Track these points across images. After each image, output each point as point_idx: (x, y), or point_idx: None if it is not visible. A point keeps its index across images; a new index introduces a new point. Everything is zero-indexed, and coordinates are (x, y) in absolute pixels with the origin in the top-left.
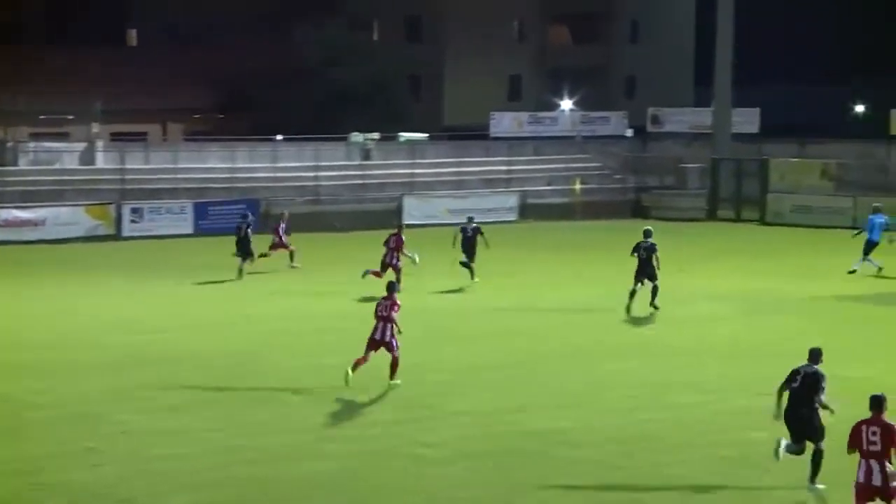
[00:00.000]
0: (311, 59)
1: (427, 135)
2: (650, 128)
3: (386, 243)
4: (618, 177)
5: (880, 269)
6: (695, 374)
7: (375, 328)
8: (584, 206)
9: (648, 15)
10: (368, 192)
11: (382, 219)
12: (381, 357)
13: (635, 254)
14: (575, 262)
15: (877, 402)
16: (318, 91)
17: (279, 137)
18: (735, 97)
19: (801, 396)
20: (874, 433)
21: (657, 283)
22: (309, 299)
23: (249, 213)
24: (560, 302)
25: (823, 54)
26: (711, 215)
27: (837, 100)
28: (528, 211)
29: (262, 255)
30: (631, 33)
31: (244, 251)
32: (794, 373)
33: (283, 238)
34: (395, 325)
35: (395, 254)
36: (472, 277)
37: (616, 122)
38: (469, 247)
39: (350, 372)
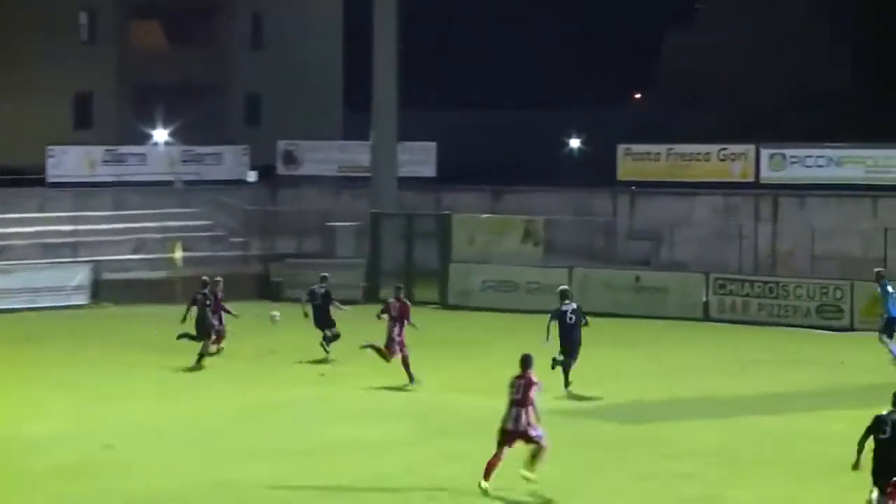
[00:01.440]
0: None
1: None
2: (283, 169)
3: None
4: (237, 239)
5: None
6: None
7: (507, 416)
8: (188, 282)
9: (278, 7)
10: None
11: None
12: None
13: (555, 321)
14: (164, 367)
15: None
16: None
17: None
18: (404, 128)
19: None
20: None
21: (575, 361)
22: None
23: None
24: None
25: (527, 71)
26: (371, 295)
27: (548, 132)
28: (103, 290)
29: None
30: (252, 33)
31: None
32: (881, 421)
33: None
34: (533, 409)
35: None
36: (326, 351)
37: (233, 161)
38: (322, 315)
39: (484, 483)
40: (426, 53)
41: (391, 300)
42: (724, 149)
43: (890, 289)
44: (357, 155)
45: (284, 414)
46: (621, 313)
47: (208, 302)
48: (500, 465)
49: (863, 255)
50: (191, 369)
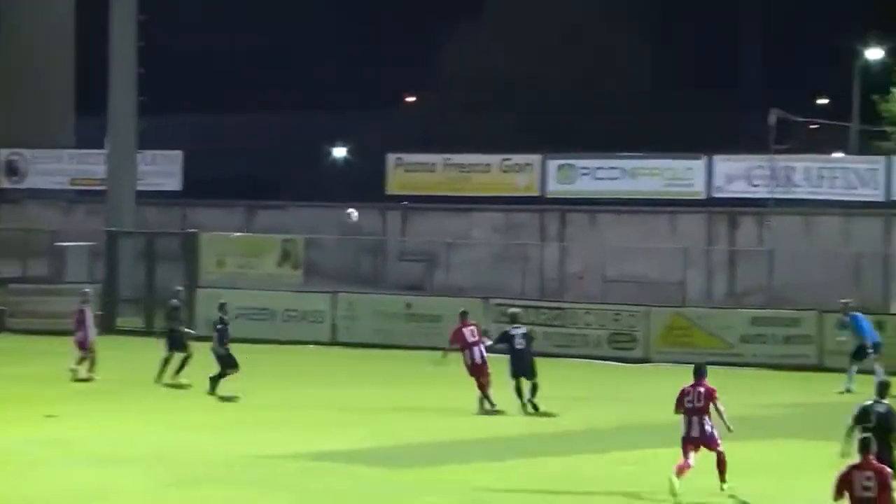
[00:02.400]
0: None
1: None
2: (5, 182)
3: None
4: None
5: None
6: None
7: (690, 424)
8: None
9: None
10: None
11: None
12: None
13: (504, 343)
14: None
15: (864, 444)
16: None
17: None
18: (146, 135)
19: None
20: (868, 478)
21: (536, 380)
22: None
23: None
24: None
25: (287, 72)
26: (107, 325)
27: (309, 140)
28: None
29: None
30: None
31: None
32: (866, 412)
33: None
34: (709, 416)
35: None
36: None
37: None
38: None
39: (675, 479)
40: (170, 52)
41: (460, 327)
42: (507, 159)
43: (861, 316)
44: (91, 165)
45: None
46: (391, 343)
47: None
48: (689, 471)
49: (660, 277)
50: None
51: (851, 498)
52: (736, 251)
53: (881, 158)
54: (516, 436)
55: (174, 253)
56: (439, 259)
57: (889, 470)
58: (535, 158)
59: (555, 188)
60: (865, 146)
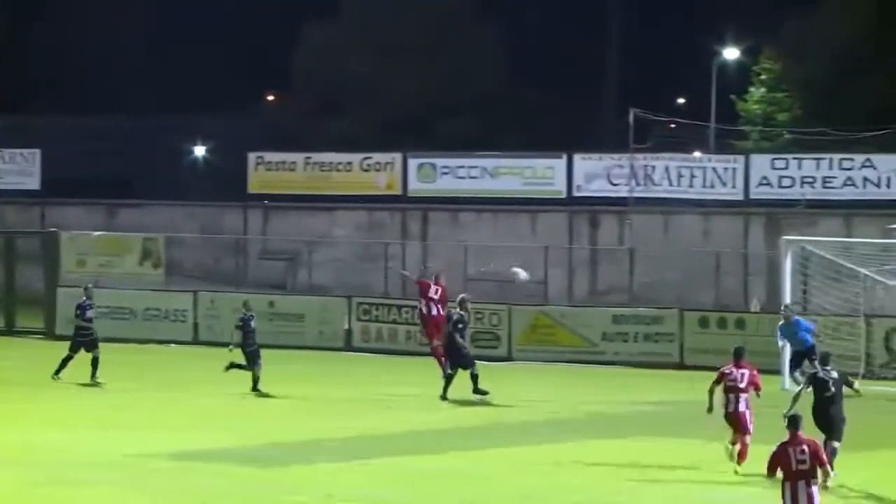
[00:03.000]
0: None
1: None
2: None
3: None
4: None
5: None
6: None
7: (728, 401)
8: None
9: None
10: None
11: None
12: None
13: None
14: None
15: (793, 421)
16: None
17: None
18: (1, 133)
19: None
20: (802, 452)
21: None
22: None
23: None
24: None
25: (147, 71)
26: None
27: (170, 139)
28: None
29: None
30: None
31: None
32: (823, 381)
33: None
34: (748, 397)
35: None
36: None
37: None
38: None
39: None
40: (28, 48)
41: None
42: (367, 158)
43: (803, 321)
44: None
45: None
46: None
47: None
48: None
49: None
50: None
51: (787, 473)
52: (597, 250)
53: (739, 157)
54: (383, 434)
55: (34, 252)
56: (301, 258)
57: (818, 441)
58: (395, 157)
59: (416, 187)
60: (724, 145)
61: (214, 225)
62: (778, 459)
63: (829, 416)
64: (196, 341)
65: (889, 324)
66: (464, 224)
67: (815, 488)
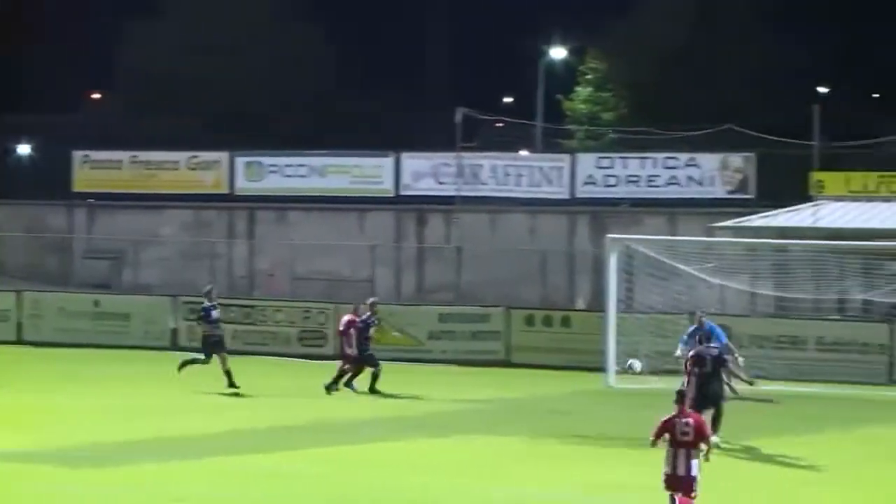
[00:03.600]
0: None
1: None
2: None
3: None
4: None
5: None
6: None
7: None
8: None
9: None
10: None
11: None
12: None
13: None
14: None
15: (680, 397)
16: None
17: None
18: None
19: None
20: (687, 425)
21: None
22: None
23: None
24: None
25: None
26: None
27: None
28: None
29: None
30: None
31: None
32: (701, 357)
33: None
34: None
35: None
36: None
37: None
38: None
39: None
40: None
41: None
42: (194, 156)
43: (716, 326)
44: None
45: None
46: (78, 342)
47: None
48: None
49: (350, 274)
50: None
51: (673, 441)
52: (424, 248)
53: (566, 157)
54: (208, 434)
55: None
56: (127, 257)
57: (702, 418)
58: (222, 156)
59: (243, 185)
60: (550, 144)
61: (39, 224)
62: (665, 428)
63: (706, 390)
64: (20, 341)
65: (715, 322)
66: (291, 223)
67: (695, 461)
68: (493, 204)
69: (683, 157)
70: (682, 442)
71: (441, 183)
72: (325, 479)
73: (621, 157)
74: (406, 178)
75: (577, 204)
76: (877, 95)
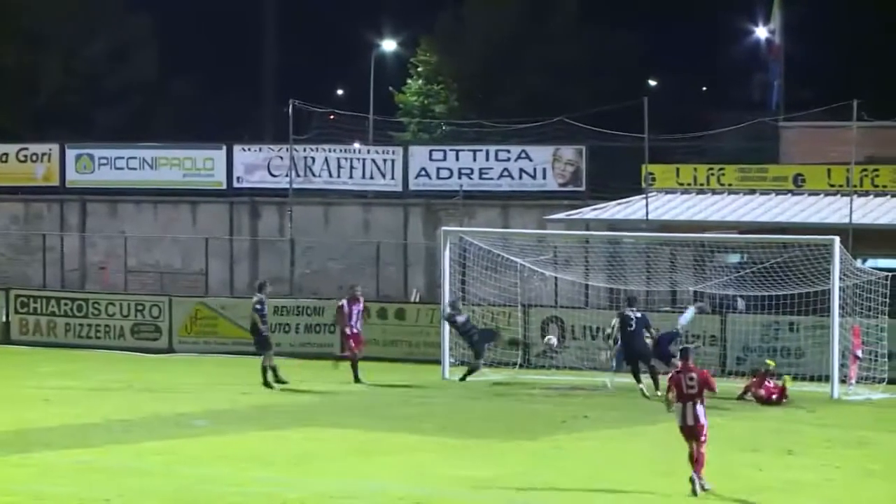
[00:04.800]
0: None
1: None
2: None
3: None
4: None
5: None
6: None
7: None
8: None
9: None
10: None
11: None
12: None
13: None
14: None
15: (684, 353)
16: None
17: None
18: None
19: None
20: (691, 378)
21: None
22: None
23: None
24: None
25: None
26: None
27: None
28: None
29: None
30: None
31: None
32: (627, 318)
33: None
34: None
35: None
36: None
37: None
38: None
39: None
40: None
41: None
42: (24, 148)
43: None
44: None
45: None
46: None
47: None
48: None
49: (183, 266)
50: None
51: (680, 395)
52: (258, 241)
53: (398, 149)
54: (41, 428)
55: None
56: None
57: (706, 370)
58: (53, 148)
59: (74, 178)
60: (383, 137)
61: None
62: (673, 383)
63: (632, 346)
64: None
65: (545, 313)
66: (123, 215)
67: (700, 408)
68: (327, 196)
69: (515, 149)
70: (688, 395)
71: (274, 175)
72: (160, 472)
73: (453, 150)
74: (239, 171)
75: (411, 196)
76: (705, 88)
